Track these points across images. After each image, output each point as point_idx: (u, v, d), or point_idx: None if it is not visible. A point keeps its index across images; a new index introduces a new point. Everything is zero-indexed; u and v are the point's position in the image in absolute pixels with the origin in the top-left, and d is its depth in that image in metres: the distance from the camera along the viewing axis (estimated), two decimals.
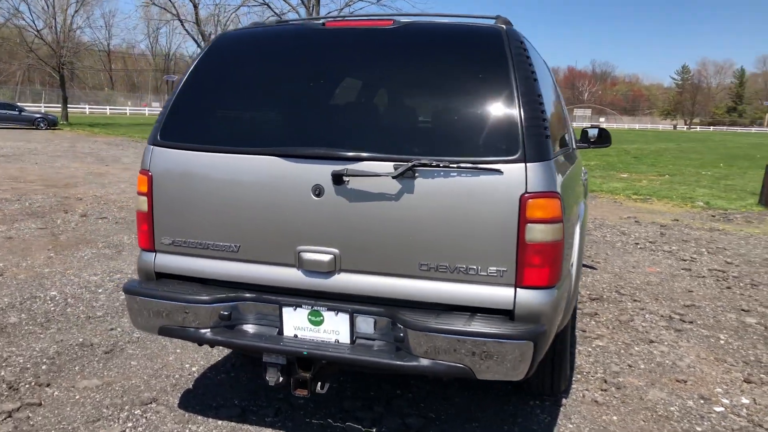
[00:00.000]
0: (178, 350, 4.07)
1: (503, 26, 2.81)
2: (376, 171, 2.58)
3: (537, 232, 2.50)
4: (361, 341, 2.71)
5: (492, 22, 2.92)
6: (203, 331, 2.81)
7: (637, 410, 3.40)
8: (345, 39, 2.95)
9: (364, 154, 2.63)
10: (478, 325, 2.50)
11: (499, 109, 2.59)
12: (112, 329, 4.36)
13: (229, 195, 2.82)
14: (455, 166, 2.52)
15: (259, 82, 2.99)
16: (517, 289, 2.56)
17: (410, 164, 2.52)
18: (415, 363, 2.56)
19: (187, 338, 2.88)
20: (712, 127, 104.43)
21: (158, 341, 4.15)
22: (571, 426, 3.22)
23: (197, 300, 2.79)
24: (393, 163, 2.57)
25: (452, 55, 2.79)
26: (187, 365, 3.85)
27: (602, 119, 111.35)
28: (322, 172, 2.66)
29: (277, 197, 2.75)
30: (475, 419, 3.26)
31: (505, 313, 2.58)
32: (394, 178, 2.56)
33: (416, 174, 2.55)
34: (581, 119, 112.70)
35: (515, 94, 2.58)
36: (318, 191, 2.67)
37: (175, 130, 2.96)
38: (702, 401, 3.52)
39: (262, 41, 3.13)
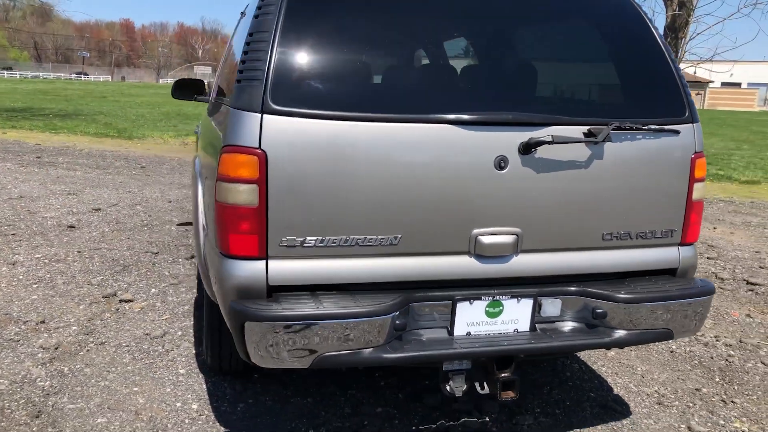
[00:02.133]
0: (135, 387, 3.04)
1: None
2: (564, 136, 2.31)
3: (699, 191, 2.58)
4: (541, 326, 2.45)
5: None
6: (381, 350, 2.19)
7: None
8: None
9: (559, 118, 2.33)
10: (675, 288, 2.49)
11: (663, 71, 2.55)
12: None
13: (385, 175, 2.21)
14: (645, 128, 2.42)
15: (394, 30, 2.35)
16: (680, 247, 2.61)
17: (610, 127, 2.33)
18: (613, 338, 2.43)
19: (359, 364, 2.21)
20: None
21: (101, 383, 3.04)
22: None
23: (371, 312, 2.15)
24: (584, 128, 2.34)
25: (619, 19, 2.61)
26: (180, 404, 2.92)
27: None
28: (507, 140, 2.28)
29: (451, 174, 2.26)
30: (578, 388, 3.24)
31: (670, 272, 2.62)
32: (596, 143, 2.33)
33: (606, 138, 2.37)
34: (202, 76, 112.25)
35: (667, 56, 2.57)
36: (501, 163, 2.28)
37: (296, 92, 2.16)
38: None
39: None
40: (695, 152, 2.53)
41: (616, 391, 3.22)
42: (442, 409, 2.94)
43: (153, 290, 4.45)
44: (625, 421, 2.92)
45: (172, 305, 4.17)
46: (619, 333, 2.43)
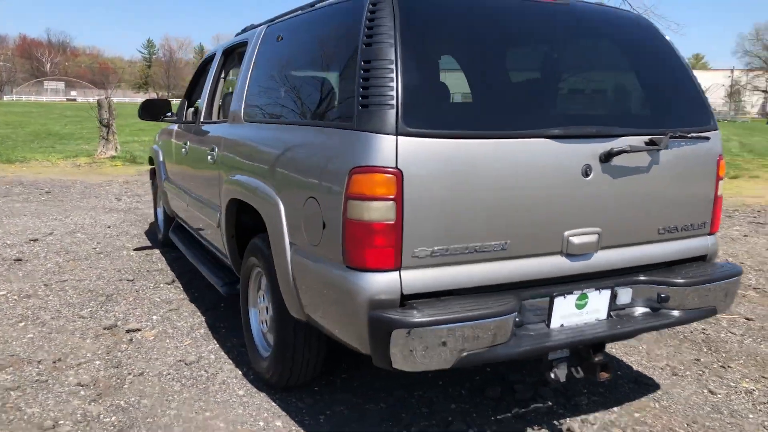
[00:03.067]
0: (207, 413, 3.03)
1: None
2: (638, 145, 2.67)
3: (720, 188, 3.04)
4: (615, 313, 2.78)
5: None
6: (507, 346, 2.41)
7: None
8: (558, 14, 2.79)
9: (629, 130, 2.68)
10: (718, 271, 2.92)
11: (692, 86, 2.98)
12: None
13: (498, 186, 2.44)
14: (689, 136, 2.83)
15: (496, 53, 2.58)
16: (708, 236, 3.05)
17: (668, 136, 2.72)
18: (674, 318, 2.81)
19: (492, 360, 2.42)
20: None
21: (169, 412, 3.00)
22: None
23: (501, 312, 2.36)
24: (645, 137, 2.71)
25: (648, 39, 2.99)
26: (263, 424, 2.95)
27: (74, 92, 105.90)
28: (590, 151, 2.59)
29: (548, 182, 2.54)
30: None
31: (702, 258, 3.05)
32: (658, 150, 2.70)
33: (665, 146, 2.75)
34: (54, 93, 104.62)
35: (692, 74, 3.01)
36: (587, 171, 2.59)
37: (422, 114, 2.34)
38: None
39: (467, 9, 2.64)
40: (719, 155, 2.99)
41: (636, 368, 3.64)
42: (505, 399, 3.20)
43: (154, 317, 4.35)
44: (659, 392, 3.33)
45: (184, 330, 4.11)
46: (677, 313, 2.82)
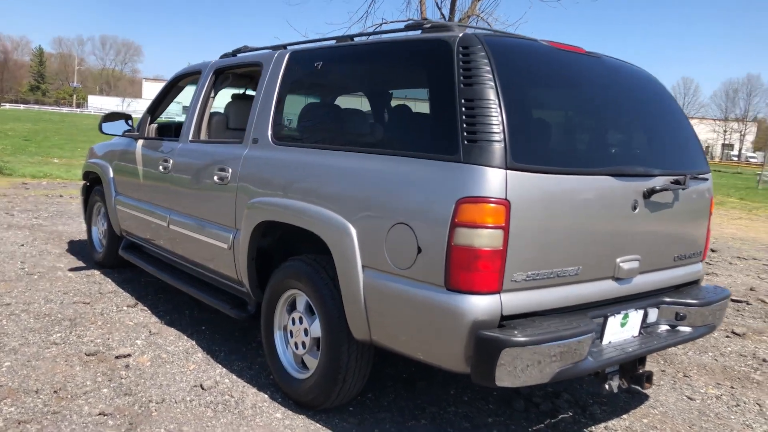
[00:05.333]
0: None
1: None
2: (673, 185, 3.08)
3: (710, 221, 3.55)
4: (644, 330, 3.15)
5: None
6: (588, 360, 2.68)
7: None
8: (600, 67, 3.13)
9: (662, 170, 3.09)
10: (716, 293, 3.40)
11: (693, 135, 3.48)
12: None
13: (577, 217, 2.74)
14: (699, 177, 3.31)
15: (565, 99, 2.86)
16: (701, 263, 3.55)
17: (689, 177, 3.16)
18: (686, 335, 3.24)
19: (580, 374, 2.67)
20: (22, 106, 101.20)
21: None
22: None
23: (588, 330, 2.64)
24: (671, 177, 3.13)
25: (658, 91, 3.44)
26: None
27: None
28: (637, 188, 2.96)
29: (610, 214, 2.87)
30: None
31: (696, 282, 3.53)
32: (683, 189, 3.13)
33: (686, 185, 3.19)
34: None
35: (688, 120, 3.52)
36: (635, 205, 2.96)
37: (525, 150, 2.57)
38: None
39: (539, 56, 2.90)
40: (711, 194, 3.50)
41: None
42: (531, 411, 3.47)
43: (138, 342, 4.15)
44: (651, 401, 3.76)
45: (180, 354, 3.97)
46: (689, 330, 3.25)
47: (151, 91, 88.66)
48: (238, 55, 4.45)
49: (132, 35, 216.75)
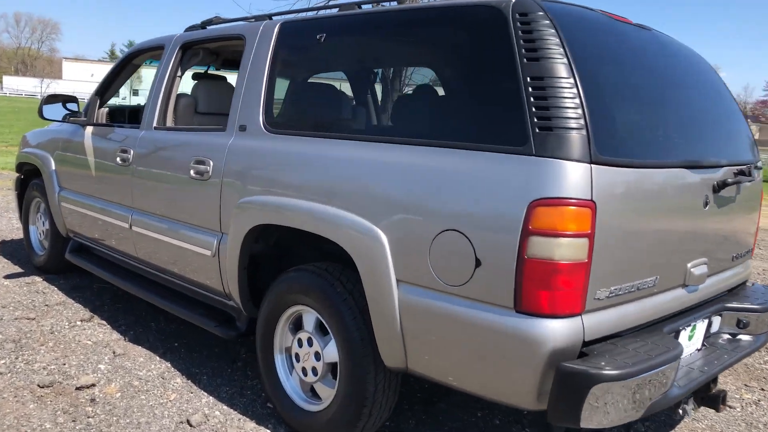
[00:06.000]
0: None
1: None
2: (742, 177, 2.70)
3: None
4: (706, 342, 2.78)
5: None
6: (675, 387, 2.27)
7: None
8: (657, 43, 2.69)
9: (729, 161, 2.71)
10: None
11: (743, 118, 3.13)
12: None
13: (657, 218, 2.33)
14: (757, 167, 2.95)
15: (636, 79, 2.41)
16: (749, 261, 3.21)
17: (752, 167, 2.80)
18: (749, 345, 2.88)
19: (669, 404, 2.27)
20: None
21: None
22: None
23: (678, 354, 2.22)
24: (735, 168, 2.75)
25: (711, 75, 3.04)
26: None
27: None
28: (707, 181, 2.57)
29: (683, 213, 2.47)
30: None
31: (744, 283, 3.19)
32: (751, 181, 2.76)
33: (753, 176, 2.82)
34: None
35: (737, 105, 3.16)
36: (706, 201, 2.56)
37: (611, 139, 2.13)
38: None
39: (602, 26, 2.43)
40: (761, 185, 3.16)
41: None
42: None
43: (101, 366, 3.52)
44: None
45: (154, 381, 3.37)
46: (751, 338, 2.90)
47: (72, 71, 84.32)
48: (209, 27, 3.82)
49: (49, 12, 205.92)
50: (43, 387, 3.24)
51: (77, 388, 3.25)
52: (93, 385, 3.29)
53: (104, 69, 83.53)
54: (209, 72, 4.69)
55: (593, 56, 2.31)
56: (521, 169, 2.09)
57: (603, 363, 2.05)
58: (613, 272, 2.16)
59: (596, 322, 2.15)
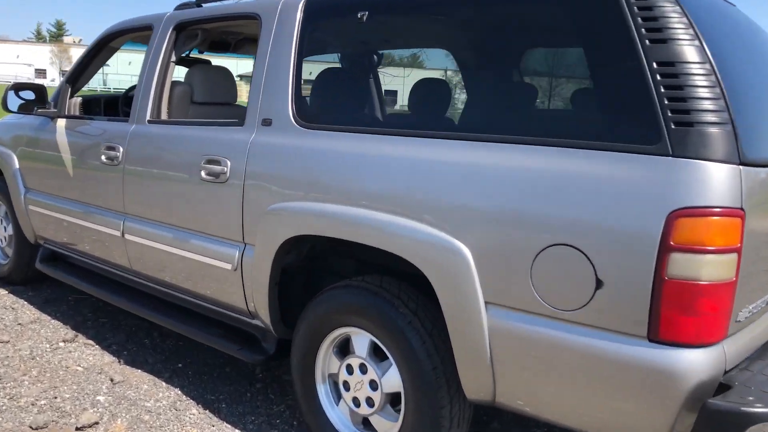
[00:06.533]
0: None
1: None
2: None
3: None
4: None
5: None
6: None
7: None
8: (746, 20, 2.38)
9: None
10: None
11: None
12: None
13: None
14: None
15: (755, 64, 2.10)
16: None
17: None
18: None
19: None
20: None
21: None
22: None
23: None
24: None
25: None
26: None
27: None
28: None
29: None
30: None
31: None
32: None
33: None
34: None
35: None
36: None
37: (755, 138, 1.84)
38: None
39: (717, 5, 2.10)
40: None
41: None
42: None
43: (101, 398, 3.05)
44: None
45: (166, 413, 2.94)
46: None
47: None
48: (205, 5, 3.33)
49: None
50: (36, 429, 2.77)
51: (78, 429, 2.79)
52: (96, 423, 2.84)
53: (31, 49, 79.25)
54: (192, 56, 4.19)
55: (723, 39, 1.99)
56: (656, 172, 1.76)
57: (752, 398, 1.76)
58: (753, 290, 1.88)
59: (735, 348, 1.86)
